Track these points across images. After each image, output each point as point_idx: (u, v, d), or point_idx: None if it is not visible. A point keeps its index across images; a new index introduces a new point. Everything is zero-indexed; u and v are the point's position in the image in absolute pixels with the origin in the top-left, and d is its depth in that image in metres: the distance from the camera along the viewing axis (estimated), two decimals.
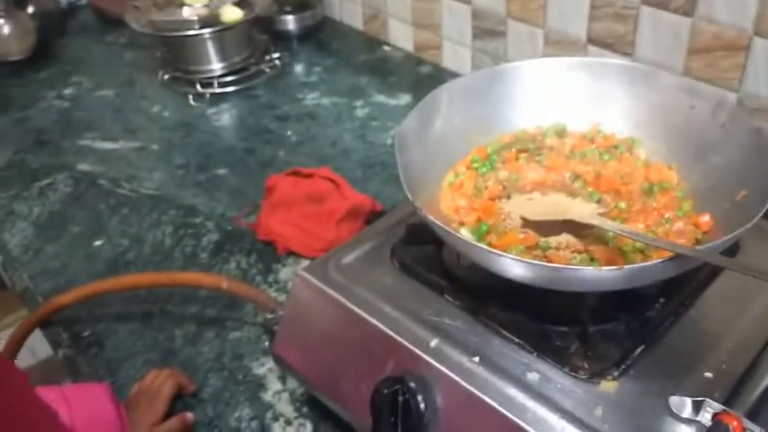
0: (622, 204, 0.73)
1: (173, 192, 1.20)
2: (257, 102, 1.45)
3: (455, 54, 1.45)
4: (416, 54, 1.55)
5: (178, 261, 1.05)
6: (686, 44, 1.04)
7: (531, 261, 0.59)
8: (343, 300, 0.73)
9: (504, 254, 0.59)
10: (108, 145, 1.34)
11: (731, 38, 0.98)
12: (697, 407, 0.58)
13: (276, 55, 1.56)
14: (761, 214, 0.60)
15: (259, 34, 1.61)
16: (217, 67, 1.50)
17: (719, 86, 1.01)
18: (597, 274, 0.58)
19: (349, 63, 1.56)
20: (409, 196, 0.67)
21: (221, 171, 1.25)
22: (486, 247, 0.61)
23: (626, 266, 0.56)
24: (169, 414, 0.81)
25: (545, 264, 0.60)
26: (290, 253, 1.04)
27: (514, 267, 0.60)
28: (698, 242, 0.67)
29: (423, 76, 1.48)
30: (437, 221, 0.64)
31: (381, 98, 1.42)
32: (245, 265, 1.03)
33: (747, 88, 1.00)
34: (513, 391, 0.62)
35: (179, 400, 0.84)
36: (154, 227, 1.12)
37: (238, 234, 1.09)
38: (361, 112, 1.39)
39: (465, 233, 0.71)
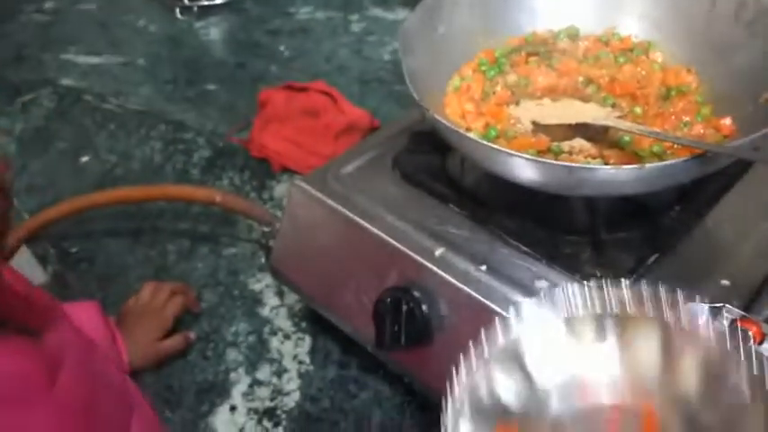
0: (638, 109, 0.69)
1: (161, 107, 1.15)
2: (247, 15, 1.38)
3: None
4: None
5: (169, 177, 1.01)
6: None
7: (544, 160, 0.56)
8: (343, 209, 0.69)
9: (516, 153, 0.56)
10: (92, 59, 1.28)
11: None
12: (714, 313, 0.56)
13: None
14: None
15: None
16: None
17: None
18: (615, 175, 0.55)
19: None
20: (416, 97, 0.63)
21: (211, 86, 1.19)
22: (498, 147, 0.57)
23: (647, 165, 0.53)
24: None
25: (559, 163, 0.56)
26: (286, 169, 1.00)
27: (527, 168, 0.56)
28: None
29: None
30: (447, 123, 0.60)
31: (378, 12, 1.36)
32: (239, 182, 1.00)
33: None
34: (521, 299, 0.60)
35: None
36: (142, 143, 1.08)
37: (231, 150, 1.05)
38: (356, 27, 1.32)
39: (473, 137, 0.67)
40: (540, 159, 0.56)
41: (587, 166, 0.58)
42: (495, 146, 0.57)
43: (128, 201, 0.87)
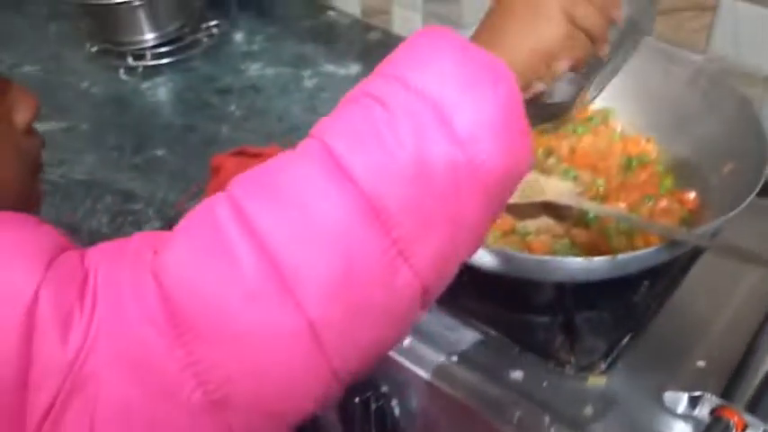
0: (600, 181, 0.68)
1: (107, 176, 1.10)
2: (195, 74, 1.35)
3: (405, 19, 1.37)
4: (364, 19, 1.47)
5: None
6: None
7: (514, 253, 0.54)
8: None
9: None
10: (35, 126, 1.23)
11: None
12: (693, 402, 0.55)
13: (213, 23, 1.45)
14: (756, 192, 0.56)
15: (194, 1, 1.49)
16: (149, 37, 1.38)
17: (686, 48, 0.97)
18: (587, 265, 0.53)
19: (293, 30, 1.46)
20: None
21: (159, 151, 1.15)
22: None
23: (619, 256, 0.52)
24: None
25: (531, 256, 0.55)
26: None
27: (495, 260, 0.54)
28: (684, 221, 0.63)
29: (372, 43, 1.40)
30: None
31: (330, 67, 1.34)
32: None
33: (714, 51, 0.95)
34: (496, 391, 0.57)
35: None
36: (89, 216, 1.03)
37: None
38: (309, 83, 1.30)
39: None
40: (510, 252, 0.54)
41: (559, 259, 0.57)
42: None
43: None
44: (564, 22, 0.42)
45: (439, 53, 0.39)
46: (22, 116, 0.50)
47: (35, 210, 0.53)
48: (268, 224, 0.36)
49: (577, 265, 0.53)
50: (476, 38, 0.45)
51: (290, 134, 1.17)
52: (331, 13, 1.51)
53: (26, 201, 0.51)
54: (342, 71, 1.32)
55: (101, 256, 0.40)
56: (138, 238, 0.41)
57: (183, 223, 0.39)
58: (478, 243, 0.41)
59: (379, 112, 0.38)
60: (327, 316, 0.35)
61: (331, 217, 0.36)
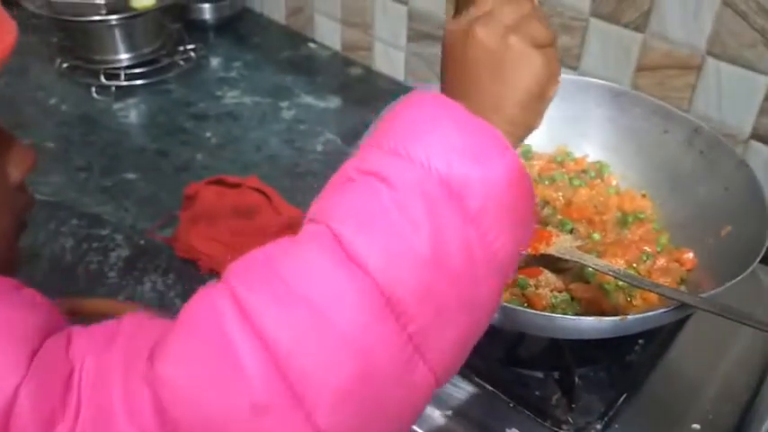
0: (596, 236, 0.67)
1: (73, 198, 1.05)
2: (170, 97, 1.31)
3: (387, 56, 1.37)
4: (344, 54, 1.46)
5: (81, 281, 0.91)
6: (636, 61, 1.01)
7: (523, 309, 0.53)
8: None
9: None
10: None
11: (683, 56, 0.96)
12: None
13: (191, 46, 1.42)
14: (760, 257, 0.56)
15: (171, 23, 1.46)
16: (124, 57, 1.35)
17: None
18: (596, 325, 0.52)
19: (271, 59, 1.45)
20: None
21: (130, 175, 1.11)
22: None
23: (629, 317, 0.51)
24: None
25: (541, 313, 0.53)
26: (215, 273, 0.92)
27: (501, 314, 0.53)
28: (682, 281, 0.63)
29: (352, 78, 1.39)
30: None
31: (309, 99, 1.32)
32: (162, 287, 0.91)
33: (697, 110, 0.97)
34: None
35: None
36: (51, 239, 0.98)
37: (153, 249, 0.96)
38: (287, 114, 1.28)
39: None
40: (516, 308, 0.52)
41: (570, 317, 0.55)
42: None
43: None
44: (533, 50, 0.40)
45: (437, 122, 0.36)
46: (17, 172, 0.49)
47: (15, 268, 0.49)
48: (274, 324, 0.32)
49: (586, 325, 0.52)
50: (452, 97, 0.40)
51: (268, 164, 1.14)
52: (311, 45, 1.50)
53: (8, 259, 0.47)
54: (321, 104, 1.30)
55: (88, 344, 0.36)
56: (130, 326, 0.37)
57: (180, 320, 0.35)
58: (490, 321, 0.38)
59: (385, 193, 0.35)
60: (339, 423, 0.32)
61: (343, 315, 0.33)
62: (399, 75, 1.35)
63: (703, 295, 0.52)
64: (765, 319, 0.50)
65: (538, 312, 0.54)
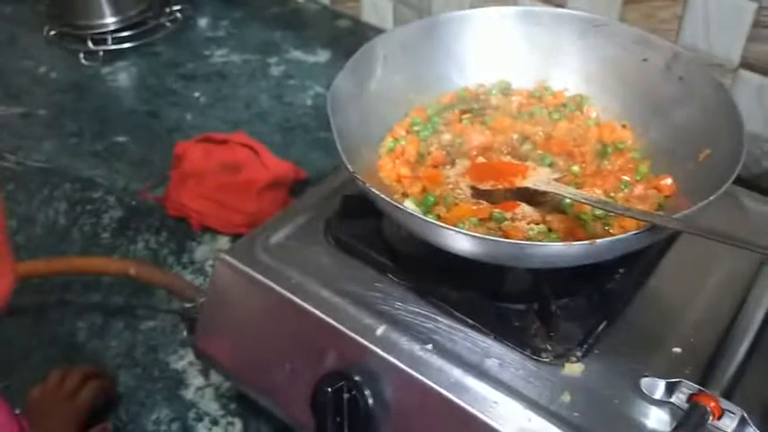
0: (575, 168, 0.67)
1: (66, 163, 1.06)
2: (158, 59, 1.31)
3: (375, 6, 1.35)
4: (333, 6, 1.44)
5: (76, 243, 0.93)
6: None
7: (493, 238, 0.53)
8: (273, 285, 0.64)
9: (461, 231, 0.52)
10: None
11: None
12: (671, 388, 0.54)
13: (177, 7, 1.41)
14: (733, 177, 0.55)
15: None
16: (110, 21, 1.34)
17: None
18: (566, 250, 0.52)
19: (259, 16, 1.43)
20: (349, 167, 0.58)
21: (121, 138, 1.11)
22: (441, 224, 0.53)
23: (598, 241, 0.51)
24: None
25: (506, 240, 0.53)
26: (206, 229, 0.93)
27: (473, 245, 0.53)
28: (660, 207, 0.62)
29: (341, 31, 1.38)
30: (381, 194, 0.56)
31: (298, 54, 1.31)
32: (155, 245, 0.92)
33: (684, 40, 0.96)
34: (472, 381, 0.56)
35: None
36: (45, 204, 0.99)
37: (145, 209, 0.97)
38: (276, 70, 1.27)
39: (410, 205, 0.64)
40: (488, 237, 0.52)
41: (537, 243, 0.55)
42: (438, 223, 0.54)
43: (31, 277, 0.78)
44: None
45: None
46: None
47: None
48: None
49: (555, 250, 0.52)
50: None
51: (257, 121, 1.14)
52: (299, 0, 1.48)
53: None
54: (310, 58, 1.29)
55: None
56: None
57: None
58: None
59: None
60: None
61: None
62: (388, 24, 1.33)
63: (676, 216, 0.52)
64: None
65: (507, 240, 0.54)
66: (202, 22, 1.43)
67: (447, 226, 0.52)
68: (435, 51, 0.74)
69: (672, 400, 0.54)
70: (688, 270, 0.65)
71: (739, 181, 0.97)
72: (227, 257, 0.67)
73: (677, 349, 0.58)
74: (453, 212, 0.62)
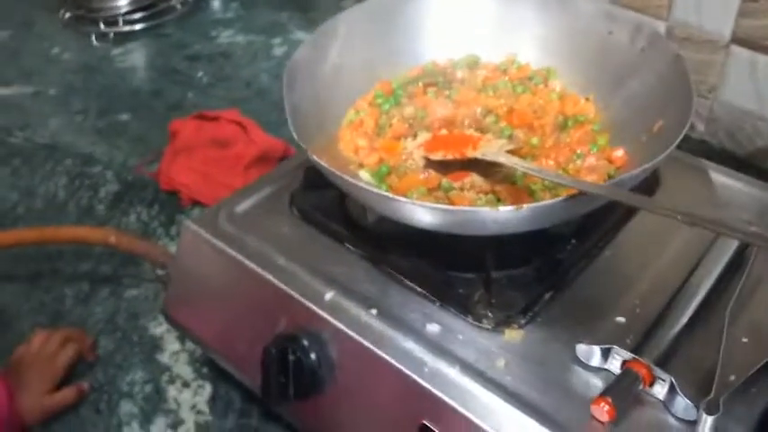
0: (534, 140, 0.67)
1: (70, 140, 1.11)
2: (167, 41, 1.34)
3: None
4: None
5: (72, 215, 0.97)
6: None
7: (416, 203, 0.54)
8: (232, 252, 0.66)
9: (391, 196, 0.53)
10: (1, 91, 1.23)
11: None
12: (605, 354, 0.54)
13: None
14: (673, 146, 0.55)
15: None
16: (122, 3, 1.38)
17: (649, 15, 0.95)
18: (495, 215, 0.53)
19: None
20: (296, 137, 0.60)
21: (123, 116, 1.15)
22: (374, 189, 0.55)
23: (525, 206, 0.51)
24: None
25: (432, 205, 0.54)
26: (196, 203, 0.96)
27: (405, 210, 0.54)
28: (610, 177, 0.62)
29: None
30: (325, 164, 0.57)
31: (301, 35, 1.33)
32: (147, 218, 0.96)
33: (676, 15, 0.94)
34: (411, 345, 0.57)
35: None
36: (46, 178, 1.03)
37: (140, 184, 1.01)
38: (278, 51, 1.30)
39: (364, 175, 0.65)
40: (412, 202, 0.54)
41: (466, 209, 0.56)
42: (371, 188, 0.55)
43: (17, 244, 0.82)
44: None
45: None
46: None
47: None
48: None
49: (487, 215, 0.52)
50: None
51: (256, 99, 1.17)
52: None
53: None
54: None
55: None
56: None
57: None
58: None
59: None
60: None
61: None
62: None
63: (608, 182, 0.52)
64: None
65: (429, 204, 0.55)
66: (214, 4, 1.46)
67: (378, 191, 0.54)
68: (402, 26, 0.75)
69: (607, 366, 0.54)
70: (645, 241, 0.65)
71: (734, 159, 0.96)
72: (192, 225, 0.69)
73: (621, 319, 0.58)
74: (403, 182, 0.63)
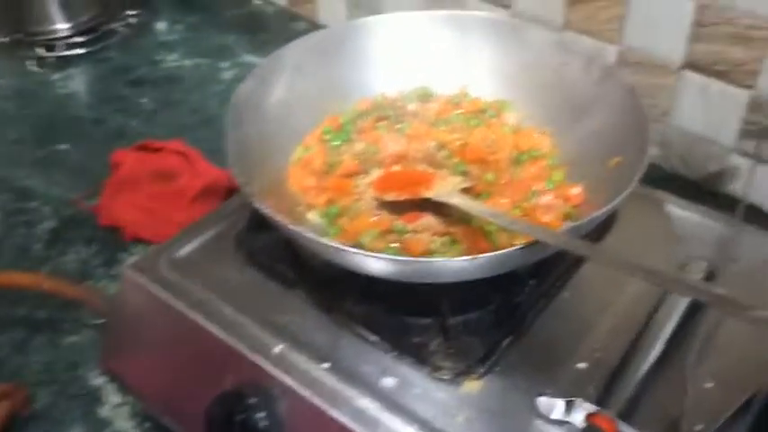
0: (490, 176, 0.65)
1: (5, 172, 1.05)
2: (109, 65, 1.29)
3: (330, 7, 1.33)
4: (290, 9, 1.42)
5: (8, 255, 0.91)
6: None
7: (368, 254, 0.51)
8: (174, 301, 0.62)
9: (340, 246, 0.50)
10: None
11: None
12: (568, 407, 0.52)
13: (132, 12, 1.39)
14: (629, 190, 0.53)
15: None
16: (62, 26, 1.32)
17: (600, 39, 0.95)
18: (450, 265, 0.50)
19: (215, 19, 1.41)
20: (238, 180, 0.57)
21: (62, 146, 1.10)
22: (320, 240, 0.51)
23: (480, 256, 0.49)
24: None
25: (385, 256, 0.51)
26: (139, 240, 0.91)
27: (356, 261, 0.51)
28: (567, 217, 0.60)
29: (297, 33, 1.31)
30: (269, 210, 0.54)
31: (250, 58, 1.29)
32: (86, 256, 0.90)
33: (628, 40, 0.93)
34: (366, 403, 0.54)
35: None
36: None
37: (79, 220, 0.96)
38: (227, 75, 1.25)
39: (313, 218, 0.62)
40: (363, 253, 0.50)
41: (416, 259, 0.54)
42: (317, 238, 0.51)
43: None
44: None
45: None
46: None
47: None
48: None
49: (438, 266, 0.50)
50: None
51: (203, 127, 1.12)
52: (257, 2, 1.46)
53: None
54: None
55: None
56: None
57: None
58: None
59: None
60: None
61: None
62: None
63: (563, 229, 0.50)
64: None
65: (385, 256, 0.52)
66: (159, 26, 1.41)
67: (322, 241, 0.51)
68: (351, 58, 0.72)
69: (569, 419, 0.52)
70: (604, 281, 0.63)
71: (687, 184, 0.95)
72: (131, 272, 0.65)
73: (582, 365, 0.56)
74: (354, 224, 0.60)
